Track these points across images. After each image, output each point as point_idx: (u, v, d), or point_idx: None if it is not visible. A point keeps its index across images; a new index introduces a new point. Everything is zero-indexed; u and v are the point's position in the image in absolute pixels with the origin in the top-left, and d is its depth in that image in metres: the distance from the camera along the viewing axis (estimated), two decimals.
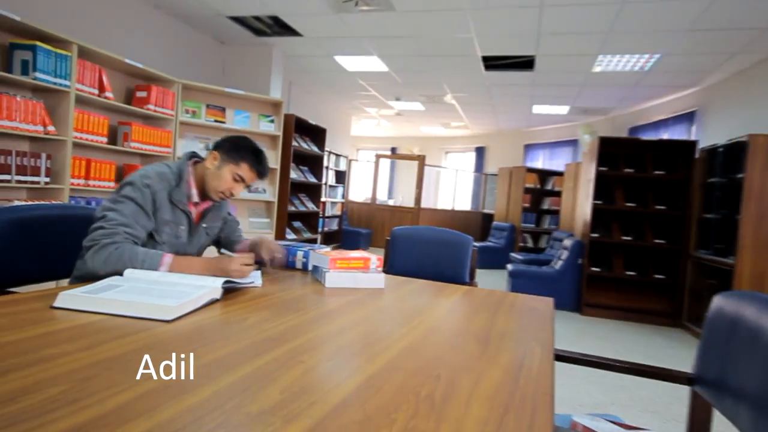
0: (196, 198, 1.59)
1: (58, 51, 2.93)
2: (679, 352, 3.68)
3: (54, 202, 2.93)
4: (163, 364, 0.77)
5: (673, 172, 4.66)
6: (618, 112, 7.11)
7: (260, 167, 1.61)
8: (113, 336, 0.89)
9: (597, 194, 4.77)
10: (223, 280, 1.23)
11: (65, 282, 1.53)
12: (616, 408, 2.53)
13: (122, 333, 0.91)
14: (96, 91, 3.26)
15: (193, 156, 1.64)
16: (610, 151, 4.83)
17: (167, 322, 0.98)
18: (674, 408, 2.56)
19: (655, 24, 3.87)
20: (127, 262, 1.29)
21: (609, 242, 4.80)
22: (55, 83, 2.92)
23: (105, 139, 3.35)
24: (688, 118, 5.70)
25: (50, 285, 1.52)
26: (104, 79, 3.32)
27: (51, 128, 2.94)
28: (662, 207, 4.65)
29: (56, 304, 1.01)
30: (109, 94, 3.35)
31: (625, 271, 4.72)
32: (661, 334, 4.21)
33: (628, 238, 4.70)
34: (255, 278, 1.54)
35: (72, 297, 1.01)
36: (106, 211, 1.37)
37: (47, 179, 2.96)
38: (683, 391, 1.51)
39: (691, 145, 4.62)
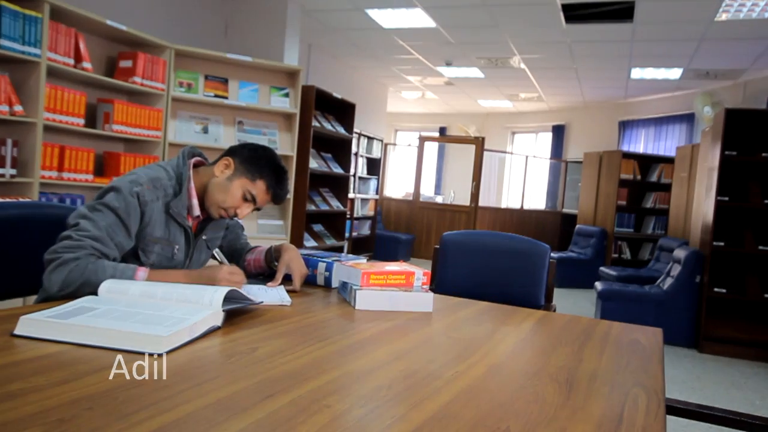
0: (197, 211, 1.62)
1: (27, 12, 3.07)
2: None
3: (21, 199, 3.09)
4: (153, 405, 0.80)
5: None
6: (752, 75, 6.82)
7: (279, 190, 1.64)
8: (93, 368, 0.92)
9: (722, 188, 4.62)
10: (222, 296, 1.25)
11: (34, 299, 1.61)
12: None
13: (104, 364, 0.94)
14: (71, 62, 3.41)
15: (194, 155, 1.67)
16: (742, 128, 4.66)
17: (158, 356, 1.01)
18: None
19: None
20: (92, 278, 1.32)
21: (739, 253, 4.65)
22: (22, 52, 3.07)
23: (82, 121, 3.49)
24: None
25: (16, 303, 1.60)
26: (81, 45, 3.47)
27: (18, 108, 3.10)
28: None
29: (18, 331, 1.05)
30: (87, 65, 3.50)
31: (763, 294, 4.55)
32: None
33: (767, 249, 4.52)
34: (280, 294, 1.58)
35: (36, 323, 1.05)
36: (79, 219, 1.40)
37: (13, 171, 3.12)
38: None
39: None
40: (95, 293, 1.30)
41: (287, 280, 1.73)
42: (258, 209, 1.66)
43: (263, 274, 1.82)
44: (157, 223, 1.53)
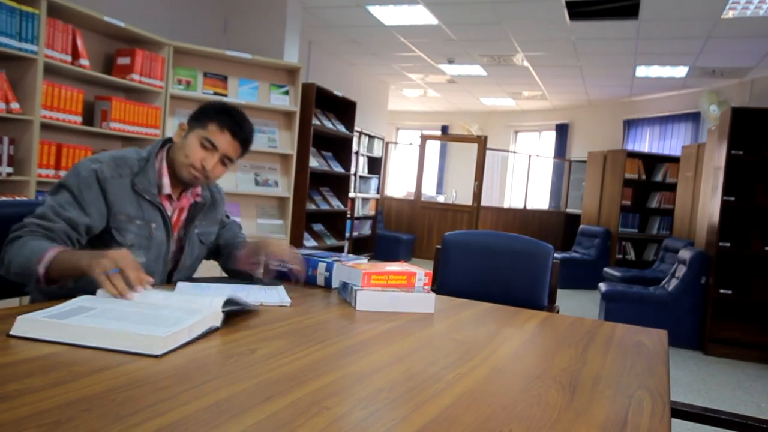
0: (167, 189, 1.62)
1: (24, 8, 3.08)
2: None
3: (18, 198, 3.09)
4: (151, 407, 0.80)
5: None
6: (759, 73, 6.81)
7: (235, 125, 1.59)
8: (90, 369, 0.92)
9: (729, 188, 4.62)
10: (222, 301, 1.25)
11: (29, 299, 1.61)
12: None
13: (101, 366, 0.94)
14: (69, 58, 3.41)
15: (168, 141, 1.68)
16: (748, 127, 4.66)
17: (156, 356, 1.01)
18: None
19: None
20: (18, 254, 1.35)
21: (746, 254, 4.65)
22: (19, 49, 3.08)
23: (79, 119, 3.50)
24: None
25: (12, 302, 1.60)
26: (79, 42, 3.47)
27: (14, 105, 3.10)
28: None
29: (14, 332, 1.05)
30: (84, 62, 3.50)
31: None
32: None
33: None
34: (279, 295, 1.58)
35: (33, 323, 1.06)
36: (39, 207, 1.45)
37: (9, 169, 3.13)
38: None
39: None
40: (25, 269, 1.33)
41: (286, 279, 1.73)
42: (230, 159, 1.62)
43: (251, 277, 1.78)
44: (126, 201, 1.53)
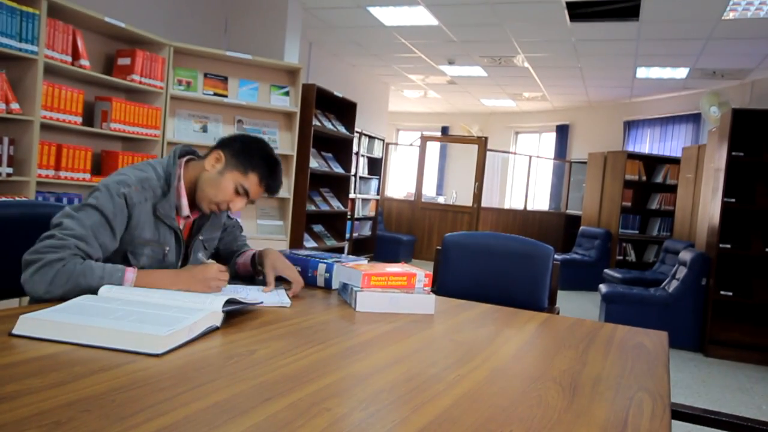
0: (186, 211, 1.61)
1: (24, 8, 3.08)
2: None
3: (18, 198, 3.10)
4: (151, 408, 0.80)
5: None
6: (759, 75, 6.82)
7: (272, 182, 1.62)
8: (90, 370, 0.92)
9: (729, 189, 4.62)
10: (222, 301, 1.26)
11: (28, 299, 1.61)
12: None
13: (101, 366, 0.94)
14: (69, 59, 3.41)
15: (186, 153, 1.65)
16: (749, 129, 4.65)
17: (156, 356, 1.01)
18: None
19: None
20: (81, 280, 1.31)
21: (746, 256, 4.64)
22: (19, 49, 3.08)
23: (79, 119, 3.50)
24: None
25: (12, 303, 1.60)
26: (79, 43, 3.48)
27: (14, 106, 3.11)
28: None
29: (16, 330, 1.05)
30: (84, 62, 3.51)
31: None
32: None
33: None
34: (279, 296, 1.59)
35: (35, 322, 1.06)
36: (63, 218, 1.38)
37: (9, 170, 3.13)
38: None
39: None
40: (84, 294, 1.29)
41: (286, 281, 1.73)
42: (252, 202, 1.64)
43: (252, 278, 1.81)
44: (146, 225, 1.51)
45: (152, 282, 1.40)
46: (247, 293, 1.56)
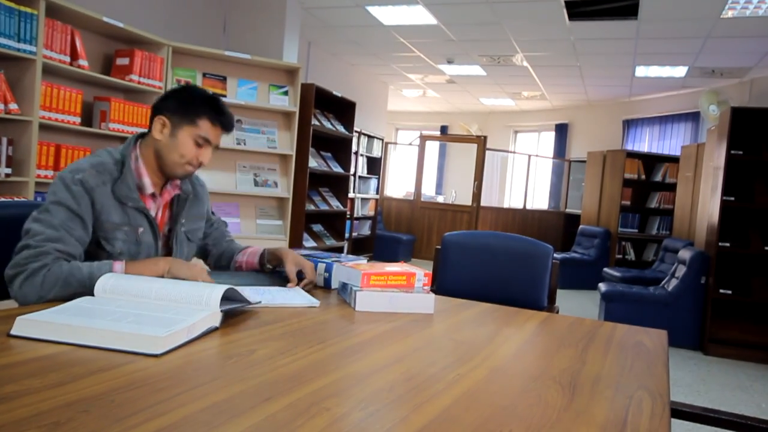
0: (150, 188, 1.58)
1: (22, 9, 3.08)
2: None
3: (17, 199, 3.09)
4: (150, 408, 0.80)
5: None
6: (758, 73, 6.83)
7: (224, 117, 1.59)
8: (89, 370, 0.92)
9: (728, 188, 4.63)
10: (220, 293, 1.25)
11: None
12: None
13: (100, 367, 0.94)
14: (68, 59, 3.41)
15: (141, 136, 1.62)
16: (748, 127, 4.66)
17: (155, 356, 1.01)
18: None
19: None
20: (71, 282, 1.31)
21: (745, 254, 4.65)
22: (17, 49, 3.07)
23: (78, 120, 3.50)
24: None
25: (11, 304, 1.60)
26: (78, 43, 3.47)
27: (13, 106, 3.10)
28: None
29: (14, 331, 1.05)
30: (83, 63, 3.50)
31: None
32: None
33: None
34: (302, 295, 1.60)
35: (33, 323, 1.06)
36: (31, 224, 1.37)
37: (8, 170, 3.13)
38: None
39: None
40: (79, 295, 1.28)
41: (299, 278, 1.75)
42: (216, 147, 1.62)
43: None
44: (111, 209, 1.48)
45: (141, 270, 1.41)
46: (271, 294, 1.57)
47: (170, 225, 1.67)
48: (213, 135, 1.58)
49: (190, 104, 1.56)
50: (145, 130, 1.63)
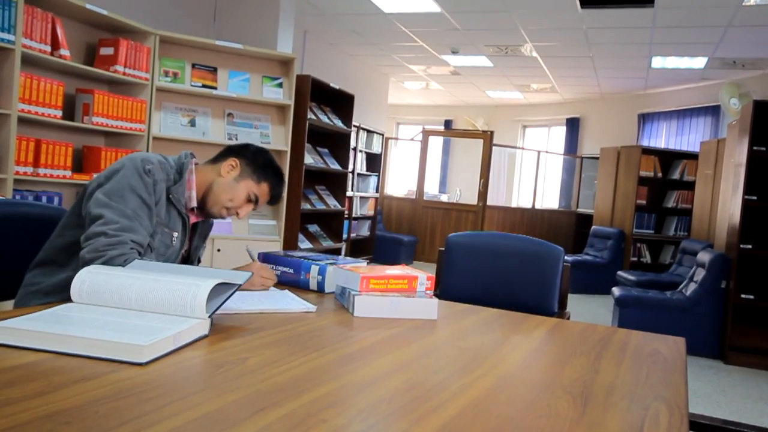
0: (193, 203, 1.71)
1: None
2: None
3: None
4: (136, 419, 0.80)
5: None
6: None
7: (279, 190, 1.81)
8: (71, 379, 0.92)
9: (750, 186, 4.63)
10: (203, 304, 1.24)
11: (9, 305, 1.61)
12: None
13: (83, 375, 0.94)
14: (48, 49, 3.41)
15: (193, 156, 1.77)
16: None
17: (140, 365, 1.01)
18: None
19: None
20: None
21: None
22: None
23: (59, 113, 3.50)
24: None
25: (3, 306, 1.61)
26: (59, 31, 3.47)
27: None
28: None
29: None
30: (64, 52, 3.50)
31: None
32: None
33: None
34: (297, 301, 1.61)
35: (10, 331, 1.06)
36: (102, 209, 1.46)
37: None
38: None
39: None
40: None
41: (292, 286, 1.78)
42: (254, 209, 1.80)
43: None
44: (162, 207, 1.61)
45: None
46: (272, 298, 1.60)
47: (190, 243, 1.82)
48: (263, 199, 1.77)
49: (263, 166, 1.75)
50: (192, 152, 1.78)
